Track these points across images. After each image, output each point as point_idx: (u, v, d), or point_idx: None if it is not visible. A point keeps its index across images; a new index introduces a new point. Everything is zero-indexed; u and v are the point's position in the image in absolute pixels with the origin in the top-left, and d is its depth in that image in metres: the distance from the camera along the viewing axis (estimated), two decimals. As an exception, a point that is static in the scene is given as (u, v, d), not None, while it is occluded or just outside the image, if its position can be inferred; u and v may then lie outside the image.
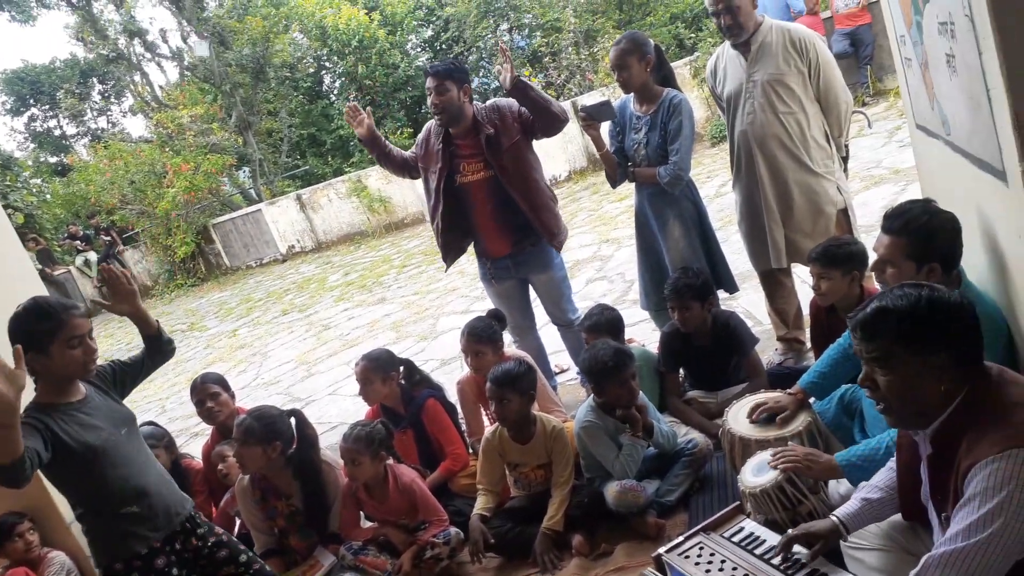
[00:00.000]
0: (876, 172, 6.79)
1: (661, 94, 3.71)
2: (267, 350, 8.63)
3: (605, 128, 3.78)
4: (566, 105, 13.04)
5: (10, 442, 2.04)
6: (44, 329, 2.34)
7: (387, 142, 4.06)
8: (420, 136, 4.04)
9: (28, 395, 2.38)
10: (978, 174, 2.10)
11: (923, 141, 2.78)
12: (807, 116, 3.46)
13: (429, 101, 3.81)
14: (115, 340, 12.53)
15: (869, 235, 2.41)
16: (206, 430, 4.29)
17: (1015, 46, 1.67)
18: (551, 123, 3.75)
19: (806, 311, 3.70)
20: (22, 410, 2.24)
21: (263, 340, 9.19)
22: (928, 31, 2.21)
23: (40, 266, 15.86)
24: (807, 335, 3.77)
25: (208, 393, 3.85)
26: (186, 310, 13.64)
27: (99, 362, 2.59)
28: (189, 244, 16.10)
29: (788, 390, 2.92)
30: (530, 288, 4.23)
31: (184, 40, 19.61)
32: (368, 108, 4.03)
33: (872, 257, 2.46)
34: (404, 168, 4.11)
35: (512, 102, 3.83)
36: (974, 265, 2.35)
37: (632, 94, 3.81)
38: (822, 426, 2.84)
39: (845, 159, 3.69)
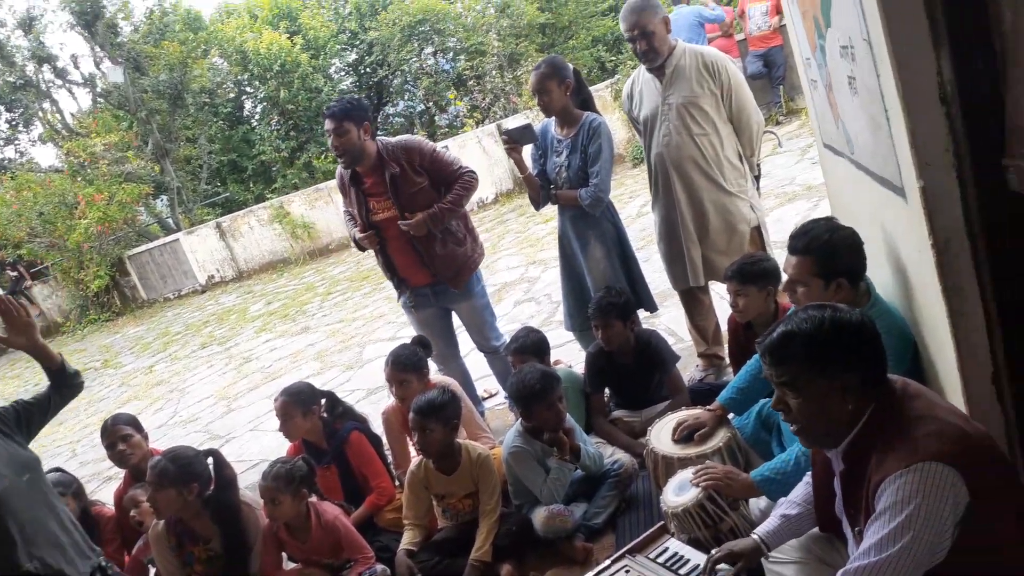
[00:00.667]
0: (790, 189, 7.00)
1: (581, 117, 3.75)
2: (185, 386, 8.32)
3: (527, 151, 3.79)
4: (491, 127, 13.14)
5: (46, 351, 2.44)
6: None
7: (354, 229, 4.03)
8: (337, 174, 4.02)
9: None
10: (881, 191, 2.16)
11: (830, 159, 2.86)
12: (720, 137, 3.54)
13: (330, 143, 3.78)
14: (23, 380, 11.93)
15: (784, 251, 2.47)
16: (119, 474, 4.08)
17: (910, 69, 1.73)
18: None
19: (725, 327, 3.76)
20: None
21: (181, 376, 8.87)
22: (831, 54, 2.28)
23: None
24: (726, 351, 3.84)
25: (119, 435, 3.67)
26: (100, 346, 13.07)
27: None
28: (103, 277, 15.44)
29: (708, 407, 2.95)
30: (453, 315, 4.19)
31: (97, 66, 18.98)
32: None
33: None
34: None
35: (422, 143, 3.85)
36: (881, 279, 2.42)
37: (553, 118, 3.83)
38: (741, 441, 2.87)
39: (757, 178, 3.78)
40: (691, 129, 3.51)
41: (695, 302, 3.92)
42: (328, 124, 3.71)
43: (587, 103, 3.84)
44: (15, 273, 16.62)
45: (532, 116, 11.85)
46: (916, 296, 2.16)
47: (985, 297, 1.88)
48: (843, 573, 1.65)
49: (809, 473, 2.05)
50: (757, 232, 3.72)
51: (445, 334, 4.20)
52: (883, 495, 1.60)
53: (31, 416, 2.56)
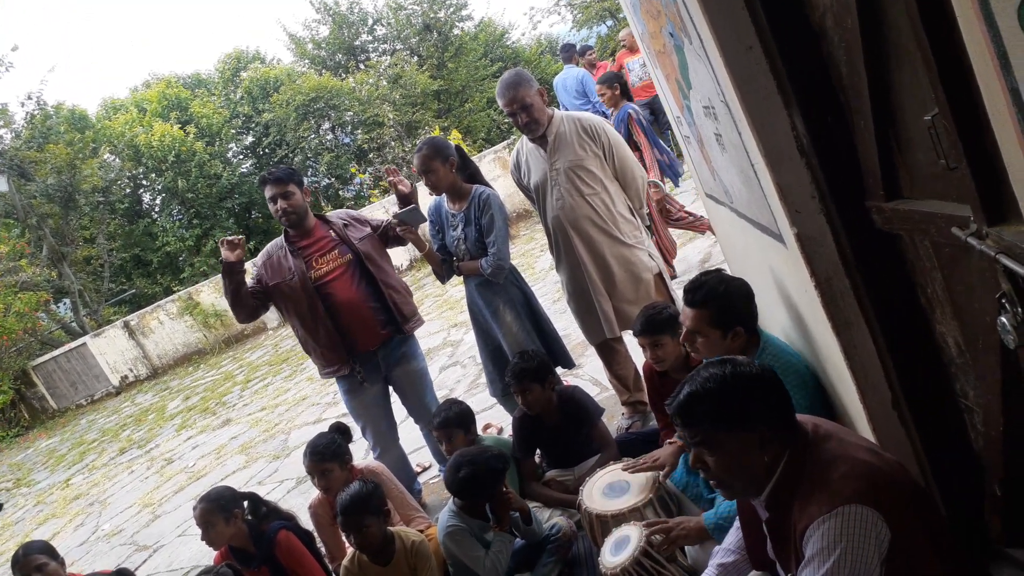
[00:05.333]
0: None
1: (470, 191, 3.83)
2: (105, 497, 7.89)
3: (425, 228, 3.84)
4: (394, 198, 13.17)
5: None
6: None
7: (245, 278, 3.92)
8: (258, 262, 4.00)
9: None
10: (763, 237, 2.27)
11: (713, 208, 2.99)
12: (610, 194, 3.66)
13: (274, 208, 3.82)
14: None
15: None
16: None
17: (766, 126, 1.83)
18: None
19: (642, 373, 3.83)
20: None
21: (100, 486, 8.41)
22: (696, 113, 2.40)
23: None
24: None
25: (33, 566, 3.48)
26: (10, 465, 12.30)
27: None
28: (7, 392, 14.63)
29: (668, 440, 2.96)
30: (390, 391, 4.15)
31: (-22, 176, 18.24)
32: (241, 239, 3.84)
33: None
34: (254, 308, 3.97)
35: (363, 215, 4.11)
36: (777, 319, 2.52)
37: (444, 194, 3.90)
38: (672, 488, 2.90)
39: (648, 228, 3.92)
40: (582, 190, 3.63)
41: (612, 353, 3.99)
42: (271, 189, 3.78)
43: (474, 176, 3.94)
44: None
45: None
46: (811, 333, 2.26)
47: (872, 328, 1.98)
48: None
49: (736, 525, 2.08)
50: (659, 278, 3.84)
51: (387, 416, 4.14)
52: (809, 541, 1.63)
53: None
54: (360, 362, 3.97)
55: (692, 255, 6.35)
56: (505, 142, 13.43)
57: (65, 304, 18.92)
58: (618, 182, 3.70)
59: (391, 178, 3.89)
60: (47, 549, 3.57)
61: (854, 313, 1.97)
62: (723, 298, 2.34)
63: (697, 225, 6.02)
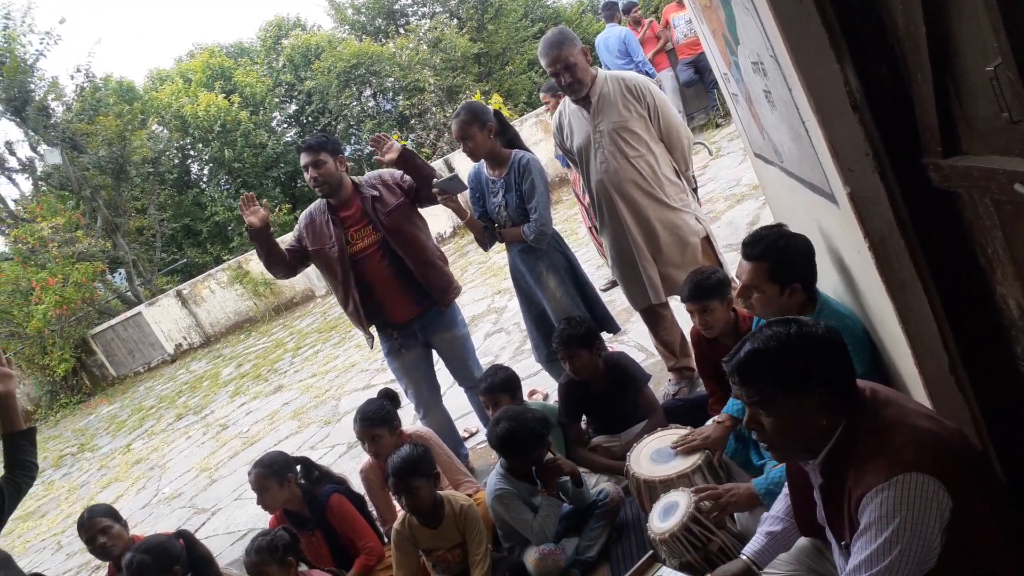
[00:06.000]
0: (737, 190, 7.10)
1: (510, 157, 3.78)
2: (165, 462, 8.17)
3: (465, 196, 3.82)
4: (439, 163, 13.17)
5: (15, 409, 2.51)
6: None
7: (274, 237, 3.96)
8: (301, 222, 4.01)
9: None
10: (813, 197, 2.20)
11: (762, 168, 2.91)
12: (655, 156, 3.59)
13: (307, 176, 3.82)
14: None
15: (739, 253, 2.52)
16: (106, 564, 3.99)
17: (817, 80, 1.76)
18: (425, 192, 3.82)
19: (689, 339, 3.79)
20: None
21: (160, 451, 8.71)
22: (745, 69, 2.33)
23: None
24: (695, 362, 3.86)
25: (98, 528, 3.61)
26: (74, 430, 12.80)
27: None
28: (68, 360, 15.18)
29: (715, 418, 2.94)
30: (435, 356, 4.17)
31: (34, 150, 18.72)
32: (266, 201, 3.94)
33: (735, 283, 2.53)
34: (288, 265, 4.01)
35: (393, 171, 3.93)
36: (829, 281, 2.46)
37: (483, 160, 3.87)
38: (724, 459, 2.87)
39: (695, 190, 3.84)
40: (626, 152, 3.56)
41: (657, 318, 3.95)
42: (304, 158, 3.77)
43: (513, 141, 3.89)
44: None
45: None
46: (864, 296, 2.19)
47: (928, 290, 1.90)
48: None
49: (786, 488, 2.05)
50: (707, 242, 3.77)
51: (429, 377, 4.17)
52: (866, 510, 1.59)
53: None
54: (397, 330, 4.02)
55: (740, 217, 6.23)
56: (547, 105, 13.26)
57: (120, 274, 19.46)
58: (663, 144, 3.62)
59: (377, 149, 3.82)
60: (110, 512, 3.69)
61: (910, 275, 1.90)
62: (782, 252, 2.28)
63: None
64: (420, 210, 4.01)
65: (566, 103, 3.75)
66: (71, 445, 11.57)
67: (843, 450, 1.69)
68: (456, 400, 4.68)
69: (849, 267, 2.22)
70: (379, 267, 3.89)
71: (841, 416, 1.69)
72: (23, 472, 2.60)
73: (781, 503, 2.10)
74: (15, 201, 19.91)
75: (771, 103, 2.17)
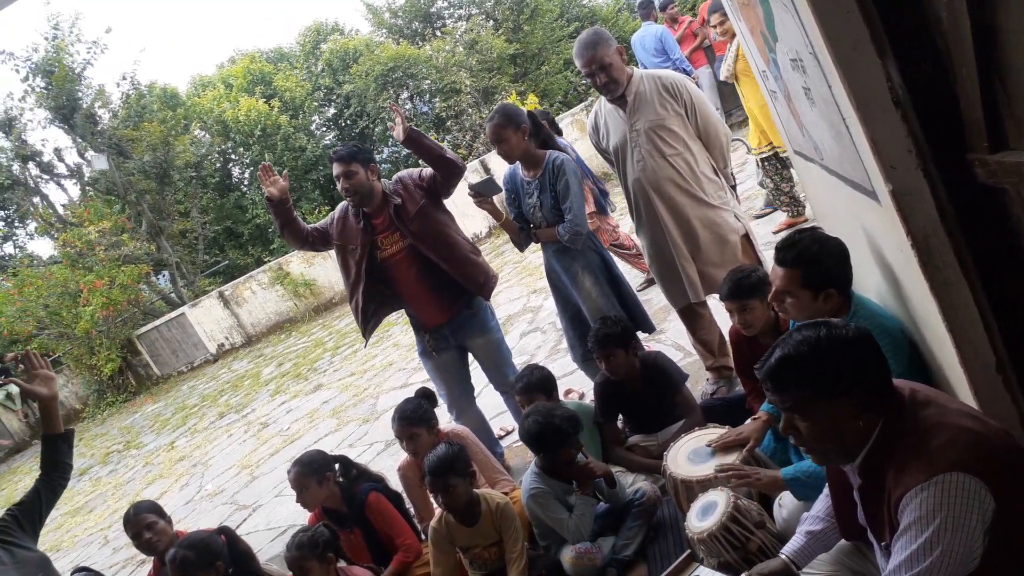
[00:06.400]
0: (777, 187, 6.99)
1: (544, 158, 3.79)
2: (207, 459, 8.32)
3: (500, 197, 3.84)
4: (475, 164, 13.23)
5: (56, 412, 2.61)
6: None
7: (294, 209, 4.01)
8: (336, 213, 4.04)
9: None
10: (855, 194, 2.17)
11: (803, 165, 2.88)
12: (693, 154, 3.57)
13: (339, 186, 3.84)
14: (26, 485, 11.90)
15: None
16: (150, 559, 4.08)
17: (858, 77, 1.74)
18: (449, 171, 3.83)
19: (728, 338, 3.75)
20: None
21: (203, 449, 8.87)
22: (783, 66, 2.30)
23: (-42, 408, 15.11)
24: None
25: (144, 524, 3.68)
26: (120, 428, 13.10)
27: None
28: (115, 360, 15.56)
29: (753, 416, 2.92)
30: (469, 357, 4.20)
31: (81, 156, 19.21)
32: (286, 172, 3.98)
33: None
34: (306, 239, 4.05)
35: (412, 171, 3.94)
36: (870, 281, 2.42)
37: (518, 162, 3.88)
38: (760, 454, 2.85)
39: (734, 187, 3.80)
40: (663, 151, 3.54)
41: (696, 317, 3.92)
42: (337, 168, 3.80)
43: (547, 142, 3.89)
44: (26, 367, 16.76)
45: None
46: (907, 295, 2.16)
47: (974, 288, 1.87)
48: None
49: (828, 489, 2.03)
50: (746, 239, 3.74)
51: (462, 378, 4.20)
52: (906, 510, 1.58)
53: (30, 516, 2.58)
54: (429, 333, 4.05)
55: (779, 215, 6.15)
56: (582, 104, 13.26)
57: (164, 276, 19.85)
58: (701, 141, 3.60)
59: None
60: (155, 508, 3.77)
61: (954, 273, 1.87)
62: (815, 258, 2.25)
63: (638, 262, 6.18)
64: (445, 202, 4.01)
65: (602, 103, 3.75)
66: (117, 442, 11.85)
67: (881, 450, 1.68)
68: (491, 400, 4.69)
69: (891, 265, 2.19)
70: (408, 273, 3.94)
71: (878, 416, 1.68)
72: (58, 473, 2.66)
73: (822, 503, 2.08)
74: (64, 206, 20.47)
75: (810, 100, 2.15)
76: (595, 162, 12.29)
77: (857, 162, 1.97)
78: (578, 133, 12.52)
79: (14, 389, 11.20)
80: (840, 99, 1.85)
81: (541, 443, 3.09)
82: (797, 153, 2.89)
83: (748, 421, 2.92)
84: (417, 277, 3.93)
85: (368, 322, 4.09)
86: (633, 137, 3.59)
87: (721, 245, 3.66)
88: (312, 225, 4.06)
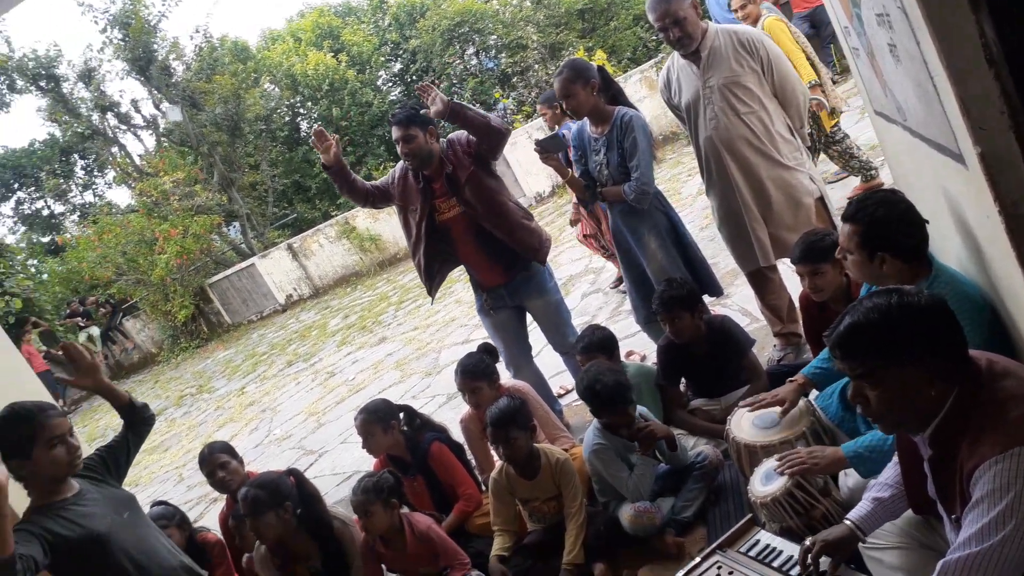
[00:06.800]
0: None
1: (612, 113, 3.72)
2: (276, 405, 8.61)
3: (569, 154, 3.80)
4: (540, 121, 13.11)
5: (112, 390, 2.63)
6: (24, 435, 2.34)
7: (351, 171, 4.05)
8: (396, 172, 4.04)
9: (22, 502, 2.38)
10: (939, 157, 2.09)
11: (884, 127, 2.78)
12: (768, 113, 3.47)
13: (399, 150, 3.84)
14: (112, 419, 12.47)
15: None
16: (223, 496, 4.28)
17: (949, 32, 1.66)
18: (494, 139, 3.78)
19: (797, 303, 3.69)
20: (20, 518, 2.25)
21: (271, 395, 9.18)
22: (868, 22, 2.21)
23: (44, 348, 15.91)
24: (802, 327, 3.76)
25: (217, 463, 3.85)
26: (193, 372, 13.63)
27: (90, 449, 2.59)
28: (188, 307, 16.13)
29: (789, 378, 2.89)
30: (528, 316, 4.22)
31: (157, 107, 19.75)
32: (338, 137, 3.99)
33: None
34: (367, 198, 4.09)
35: (461, 134, 3.89)
36: (951, 248, 2.34)
37: (586, 118, 3.82)
38: (826, 422, 2.81)
39: (811, 148, 3.69)
40: (737, 109, 3.45)
41: (765, 281, 3.85)
42: (396, 132, 3.80)
43: (617, 97, 3.81)
44: (104, 310, 17.54)
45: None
46: (990, 263, 2.08)
47: (1064, 258, 1.80)
48: (944, 564, 1.60)
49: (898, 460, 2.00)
50: (821, 203, 3.64)
51: (519, 337, 4.22)
52: (979, 483, 1.54)
53: (116, 459, 2.71)
54: (486, 292, 4.08)
55: (854, 180, 5.95)
56: (652, 61, 12.96)
57: (235, 227, 20.39)
58: (777, 99, 3.50)
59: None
60: (228, 449, 3.93)
61: (1044, 241, 1.80)
62: (874, 219, 2.19)
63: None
64: (495, 167, 3.98)
65: (675, 58, 3.66)
66: (191, 386, 12.34)
67: (955, 421, 1.64)
68: (551, 359, 4.72)
69: (975, 232, 2.11)
70: (465, 237, 3.95)
71: (952, 386, 1.63)
72: (142, 426, 2.79)
73: (891, 470, 2.05)
74: (140, 156, 21.13)
75: (896, 57, 2.06)
76: (662, 121, 12.05)
77: (944, 123, 1.89)
78: (646, 91, 12.28)
79: (95, 331, 11.76)
80: (928, 56, 1.77)
81: (595, 401, 3.11)
82: (878, 114, 2.79)
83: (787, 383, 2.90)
84: (474, 241, 3.95)
85: (433, 280, 4.13)
86: (706, 94, 3.51)
87: (794, 208, 3.57)
88: (373, 183, 4.09)
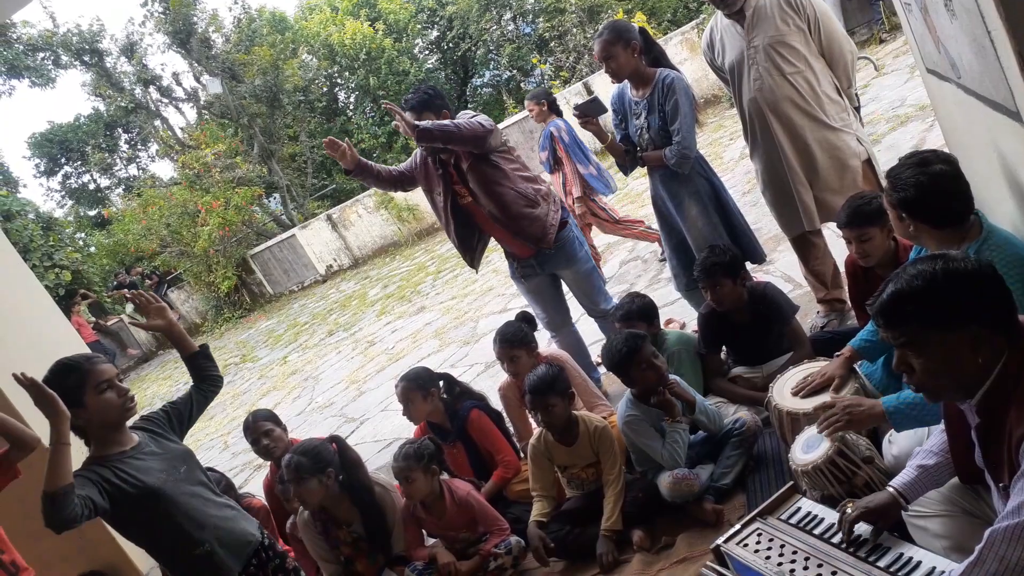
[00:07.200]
0: (901, 111, 6.58)
1: (654, 76, 3.64)
2: (318, 373, 8.75)
3: (608, 119, 3.73)
4: (578, 87, 12.95)
5: (183, 335, 2.73)
6: (72, 384, 2.39)
7: (374, 164, 4.04)
8: (417, 157, 4.03)
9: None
10: (994, 116, 2.01)
11: (936, 85, 2.68)
12: (815, 72, 3.36)
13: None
14: (173, 381, 12.82)
15: None
16: (267, 463, 4.37)
17: (1010, -16, 1.59)
18: (470, 144, 3.68)
19: (843, 269, 3.60)
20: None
21: (313, 364, 9.32)
22: (922, -25, 2.13)
23: (93, 319, 16.35)
24: (847, 294, 3.68)
25: (262, 431, 3.92)
26: (236, 343, 13.90)
27: (154, 407, 2.63)
28: (231, 278, 16.41)
29: (837, 352, 2.83)
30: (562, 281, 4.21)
31: (197, 80, 19.94)
32: (349, 141, 3.89)
33: None
34: (395, 184, 4.11)
35: (461, 120, 3.80)
36: (1003, 208, 2.26)
37: (627, 81, 3.75)
38: (871, 390, 2.75)
39: (858, 109, 3.58)
40: (783, 69, 3.35)
41: (809, 247, 3.77)
42: (409, 117, 3.73)
43: (659, 59, 3.72)
44: (151, 282, 17.94)
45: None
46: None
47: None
48: (992, 532, 1.56)
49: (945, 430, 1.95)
50: (868, 165, 3.54)
51: (555, 301, 4.21)
52: None
53: (180, 414, 2.75)
54: (517, 261, 4.08)
55: (902, 140, 5.79)
56: (693, 22, 12.66)
57: (275, 198, 20.63)
58: (824, 59, 3.39)
59: (333, 155, 3.72)
60: (272, 417, 4.00)
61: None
62: (904, 181, 2.15)
63: (649, 233, 6.15)
64: (499, 155, 3.84)
65: (718, 18, 3.56)
66: (234, 356, 12.59)
67: (1003, 388, 1.59)
68: (590, 326, 4.70)
69: (1030, 191, 2.04)
70: (485, 219, 3.94)
71: (1000, 353, 1.59)
72: (208, 384, 2.83)
73: (936, 438, 2.00)
74: (182, 129, 21.42)
75: (951, 12, 1.98)
76: (704, 83, 11.83)
77: (1000, 80, 1.82)
78: (688, 53, 12.03)
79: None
80: (986, 10, 1.70)
81: (613, 368, 3.11)
82: (930, 72, 2.69)
83: (823, 361, 2.83)
84: (489, 222, 3.94)
85: (473, 252, 4.13)
86: (751, 54, 3.41)
87: (840, 170, 3.47)
88: (398, 168, 4.08)
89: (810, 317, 3.93)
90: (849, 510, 2.03)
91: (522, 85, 20.25)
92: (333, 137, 3.81)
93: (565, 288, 4.24)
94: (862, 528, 2.01)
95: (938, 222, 2.16)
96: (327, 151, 3.85)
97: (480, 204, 3.87)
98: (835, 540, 2.07)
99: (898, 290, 1.62)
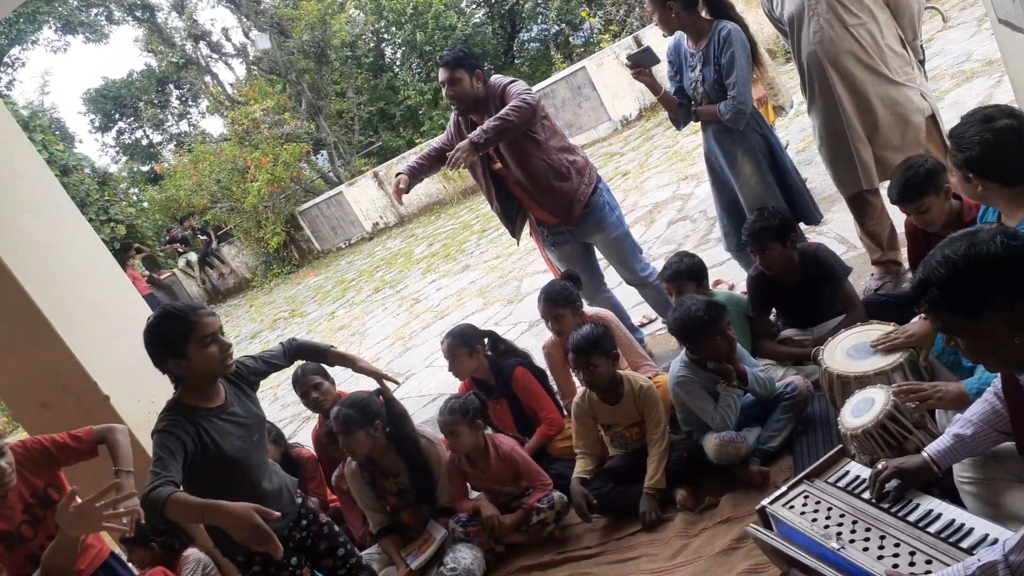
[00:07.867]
0: (967, 66, 6.29)
1: (710, 27, 3.52)
2: (365, 329, 8.87)
3: (662, 70, 3.62)
4: (628, 40, 12.68)
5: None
6: (178, 333, 2.39)
7: (418, 163, 4.04)
8: (451, 126, 4.03)
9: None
10: (1073, 68, 1.90)
11: (1008, 36, 2.55)
12: (878, 24, 3.22)
13: (444, 93, 3.80)
14: (258, 322, 13.04)
15: None
16: (315, 416, 4.47)
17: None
18: (527, 126, 3.69)
19: (900, 230, 3.49)
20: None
21: (360, 320, 9.45)
22: (1000, -84, 2.00)
23: (147, 272, 16.78)
24: (903, 255, 3.57)
25: (311, 384, 4.00)
26: (286, 298, 14.14)
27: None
28: (280, 234, 16.65)
29: (920, 315, 2.74)
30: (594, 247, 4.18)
31: (246, 35, 20.03)
32: (402, 176, 3.96)
33: None
34: (443, 160, 4.04)
35: (500, 80, 3.80)
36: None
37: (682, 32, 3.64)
38: (931, 359, 2.67)
39: (922, 63, 3.43)
40: (844, 20, 3.21)
41: (866, 206, 3.65)
42: (441, 74, 3.75)
43: (719, 9, 3.56)
44: (204, 237, 18.29)
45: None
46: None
47: None
48: None
49: (988, 390, 1.92)
50: (932, 121, 3.40)
51: (588, 268, 4.16)
52: None
53: (269, 371, 2.80)
54: (548, 230, 4.06)
55: (967, 97, 5.55)
56: None
57: (322, 155, 20.76)
58: (889, 9, 3.24)
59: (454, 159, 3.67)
60: (320, 371, 4.06)
61: None
62: (967, 139, 2.07)
63: None
64: (536, 126, 3.79)
65: None
66: (283, 310, 12.82)
67: None
68: (629, 291, 4.65)
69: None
70: (515, 185, 3.92)
71: None
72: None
73: (977, 407, 1.96)
74: (231, 85, 21.60)
75: (1031, -45, 1.87)
76: (761, 35, 11.44)
77: (1084, 29, 1.71)
78: (743, 5, 11.63)
79: (193, 257, 12.36)
80: (1072, -48, 1.59)
81: (685, 335, 3.05)
82: (1002, 22, 2.55)
83: (916, 320, 2.73)
84: (524, 190, 3.91)
85: (514, 222, 4.11)
86: (811, 4, 3.27)
87: (903, 126, 3.34)
88: (436, 145, 4.07)
89: (864, 279, 3.83)
90: (881, 465, 2.05)
91: (570, 40, 19.90)
92: (397, 189, 3.90)
93: (599, 255, 4.20)
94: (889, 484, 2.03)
95: (1008, 180, 2.07)
96: (394, 197, 3.97)
97: (510, 170, 3.85)
98: (884, 505, 2.04)
99: (923, 279, 1.60)
